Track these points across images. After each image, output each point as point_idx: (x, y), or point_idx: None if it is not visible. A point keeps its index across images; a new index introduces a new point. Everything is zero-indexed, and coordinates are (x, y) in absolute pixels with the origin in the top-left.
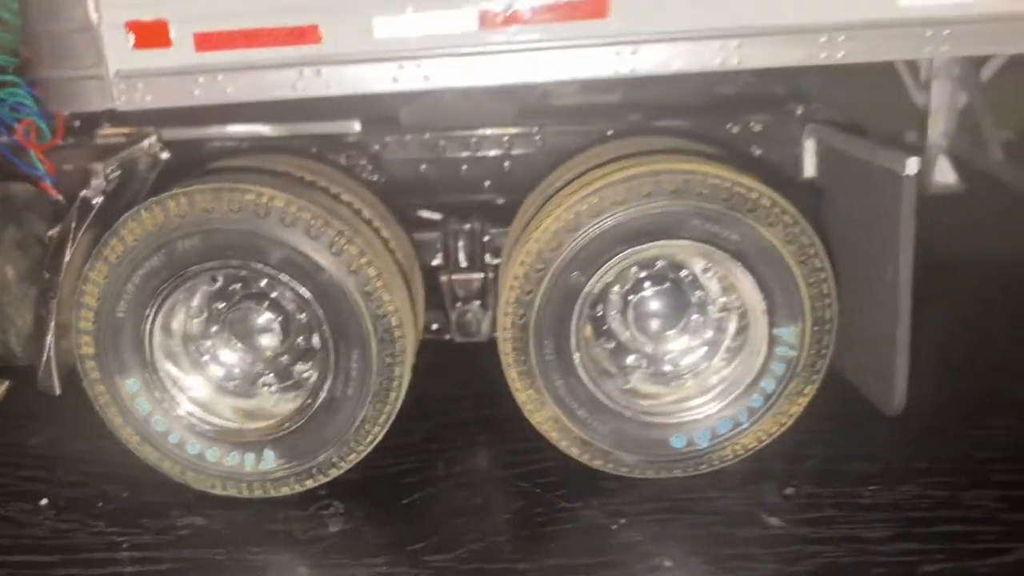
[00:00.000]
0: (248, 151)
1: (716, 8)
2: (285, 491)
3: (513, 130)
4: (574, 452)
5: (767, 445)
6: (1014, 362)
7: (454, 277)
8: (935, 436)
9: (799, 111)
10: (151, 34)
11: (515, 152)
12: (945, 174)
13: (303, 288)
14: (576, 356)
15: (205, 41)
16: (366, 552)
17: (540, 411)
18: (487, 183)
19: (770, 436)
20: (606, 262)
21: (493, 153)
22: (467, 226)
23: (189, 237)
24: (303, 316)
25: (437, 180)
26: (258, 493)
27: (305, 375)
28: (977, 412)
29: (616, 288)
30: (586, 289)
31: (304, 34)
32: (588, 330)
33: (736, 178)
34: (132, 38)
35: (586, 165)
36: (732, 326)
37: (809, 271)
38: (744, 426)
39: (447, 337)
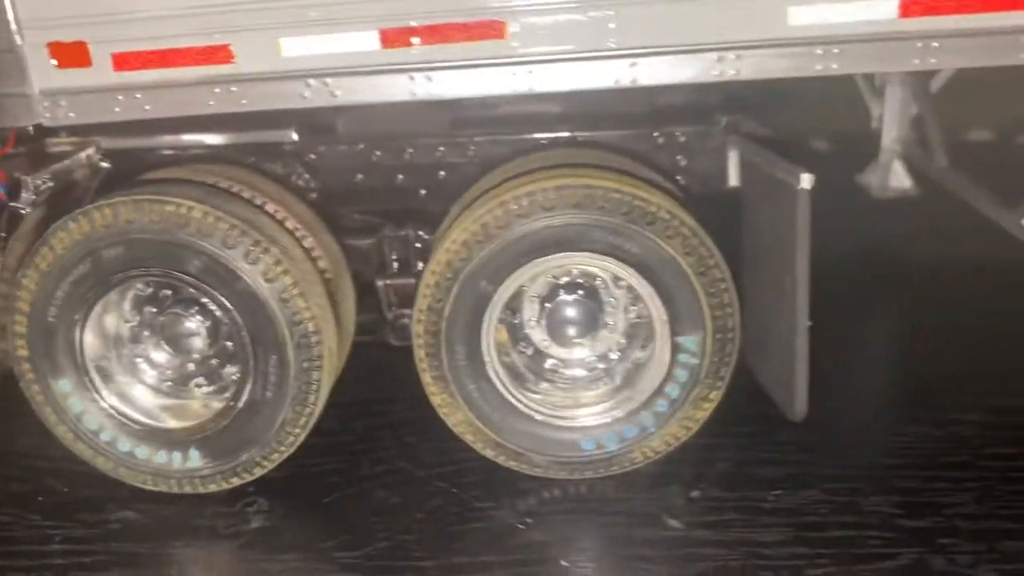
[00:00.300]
0: (183, 161)
1: (609, 29)
2: (212, 488)
3: (447, 140)
4: (489, 453)
5: (677, 448)
6: (933, 368)
7: (388, 282)
8: (846, 441)
9: (723, 122)
10: (71, 55)
11: (449, 161)
12: (899, 178)
13: (221, 296)
14: (488, 361)
15: (123, 61)
16: (281, 548)
17: (454, 414)
18: (423, 192)
19: (678, 440)
20: (513, 272)
21: (427, 162)
22: (402, 233)
23: (114, 246)
24: (228, 321)
25: (373, 188)
26: (187, 489)
27: (234, 377)
28: (891, 418)
29: (532, 295)
30: (495, 298)
31: (216, 54)
32: (504, 335)
33: (635, 192)
34: (54, 58)
35: (503, 177)
36: (641, 334)
37: (709, 282)
38: (651, 430)
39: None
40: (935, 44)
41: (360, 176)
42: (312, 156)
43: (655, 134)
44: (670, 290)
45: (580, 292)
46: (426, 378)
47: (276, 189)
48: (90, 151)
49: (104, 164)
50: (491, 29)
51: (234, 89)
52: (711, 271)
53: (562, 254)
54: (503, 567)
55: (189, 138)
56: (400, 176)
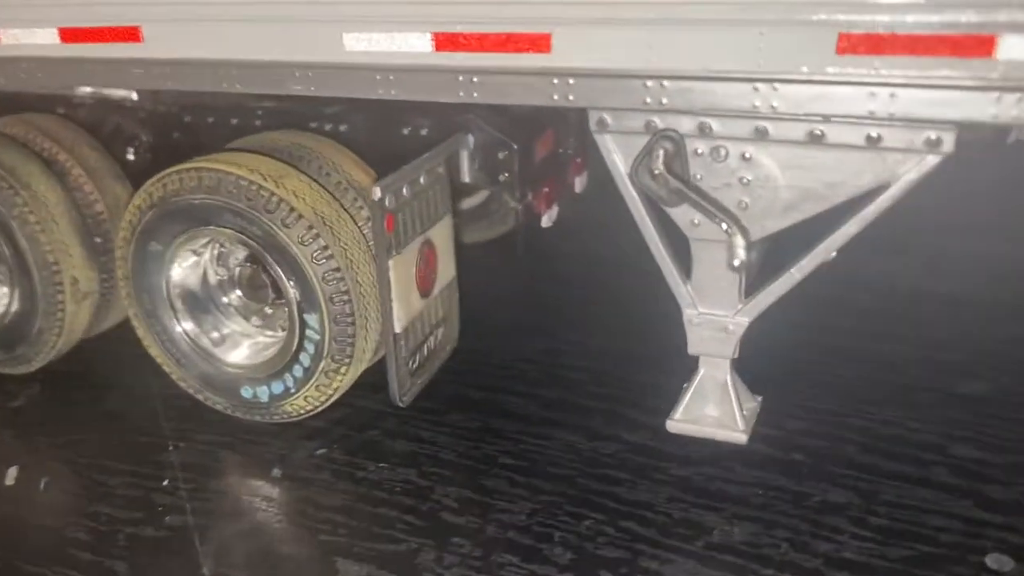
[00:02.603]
0: (26, 112)
1: (212, 39)
2: (8, 370)
3: (240, 109)
4: (183, 386)
5: (343, 410)
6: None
7: None
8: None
9: (459, 120)
10: None
11: (238, 126)
12: None
13: None
14: (168, 308)
15: None
16: (17, 425)
17: (152, 347)
18: None
19: (321, 403)
20: (176, 237)
21: (224, 127)
22: None
23: None
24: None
25: (184, 144)
26: None
27: (5, 291)
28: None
29: (209, 255)
30: (167, 256)
31: None
32: (191, 285)
33: (262, 183)
34: None
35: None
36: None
37: (324, 271)
38: (293, 391)
39: None
40: (475, 80)
41: (176, 134)
42: (142, 114)
43: (403, 128)
44: (293, 272)
45: (249, 258)
46: (130, 312)
47: (77, 141)
48: None
49: None
50: (128, 33)
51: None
52: (328, 261)
53: (208, 227)
54: (128, 475)
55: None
56: (203, 136)
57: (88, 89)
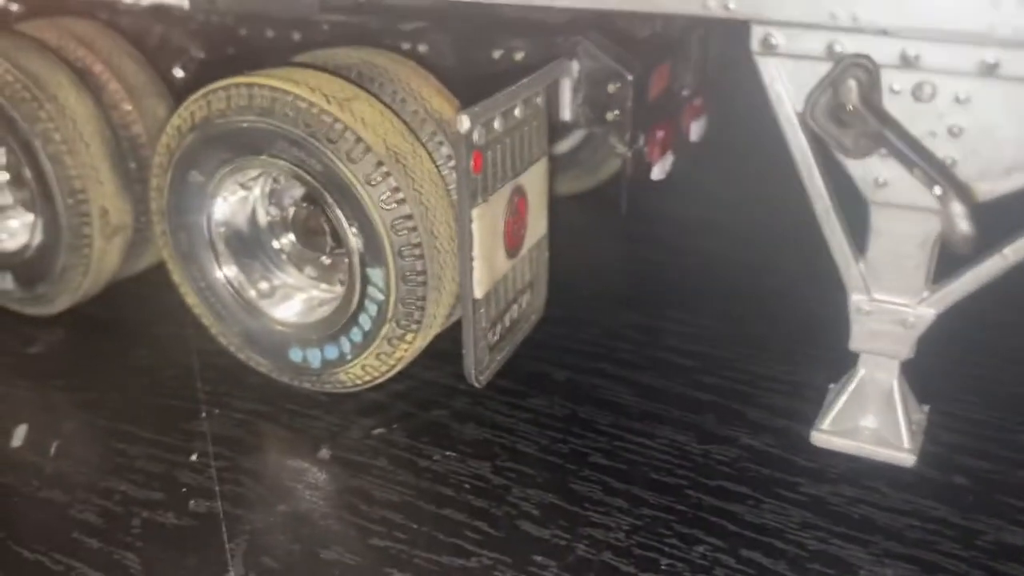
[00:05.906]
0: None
1: None
2: (29, 311)
3: (303, 22)
4: (221, 341)
5: (406, 383)
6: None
7: None
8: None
9: (562, 44)
10: None
11: (301, 42)
12: None
13: (13, 144)
14: (207, 252)
15: None
16: (30, 372)
17: (189, 296)
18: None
19: (382, 374)
20: (220, 167)
21: (295, 38)
22: None
23: None
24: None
25: (241, 56)
26: (14, 308)
27: (28, 223)
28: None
29: (260, 190)
30: (210, 188)
31: None
32: (237, 225)
33: (325, 106)
34: None
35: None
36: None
37: (394, 218)
38: (349, 357)
39: None
40: None
41: (230, 49)
42: (194, 26)
43: (494, 50)
44: (356, 217)
45: (305, 199)
46: (165, 254)
47: (116, 52)
48: None
49: (13, 7)
50: None
51: None
52: (399, 206)
53: (257, 157)
54: (151, 444)
55: None
56: (262, 53)
57: None
